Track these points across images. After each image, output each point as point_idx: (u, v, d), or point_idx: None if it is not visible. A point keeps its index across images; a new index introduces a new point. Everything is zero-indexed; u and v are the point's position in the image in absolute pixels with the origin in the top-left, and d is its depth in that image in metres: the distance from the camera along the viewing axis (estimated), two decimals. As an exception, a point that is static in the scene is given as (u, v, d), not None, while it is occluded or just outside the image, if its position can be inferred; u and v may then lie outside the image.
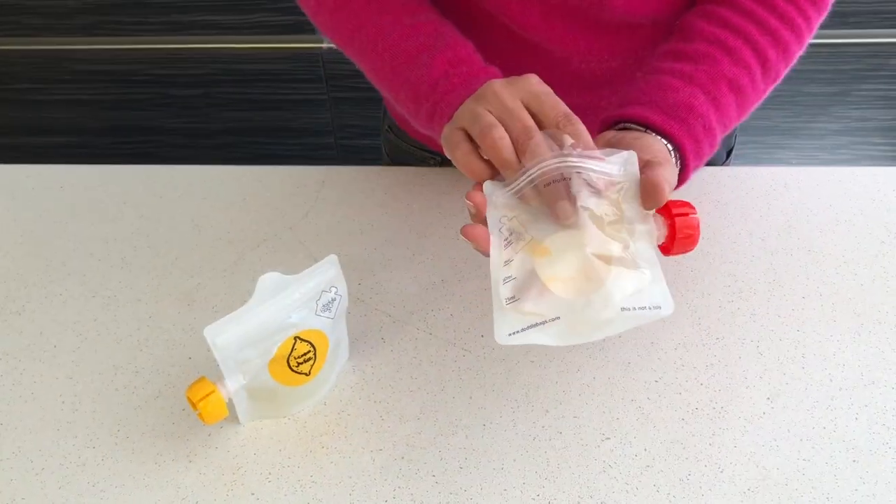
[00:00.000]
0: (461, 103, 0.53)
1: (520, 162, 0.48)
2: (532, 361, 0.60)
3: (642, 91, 0.57)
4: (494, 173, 0.50)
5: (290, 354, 0.53)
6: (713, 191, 0.76)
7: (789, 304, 0.64)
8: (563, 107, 0.49)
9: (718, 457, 0.53)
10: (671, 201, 0.49)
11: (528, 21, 0.66)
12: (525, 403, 0.57)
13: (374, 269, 0.69)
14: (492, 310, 0.63)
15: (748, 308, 0.63)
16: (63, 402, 0.58)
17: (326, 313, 0.55)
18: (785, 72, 0.62)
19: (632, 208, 0.48)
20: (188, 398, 0.51)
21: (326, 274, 0.55)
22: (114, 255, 0.72)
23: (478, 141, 0.50)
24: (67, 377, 0.60)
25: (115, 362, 0.61)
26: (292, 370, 0.54)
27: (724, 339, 0.61)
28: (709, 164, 0.81)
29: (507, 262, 0.47)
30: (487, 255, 0.49)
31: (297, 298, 0.53)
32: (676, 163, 0.54)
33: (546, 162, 0.47)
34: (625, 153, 0.49)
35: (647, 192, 0.48)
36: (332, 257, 0.55)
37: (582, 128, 0.49)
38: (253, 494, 0.51)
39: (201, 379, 0.52)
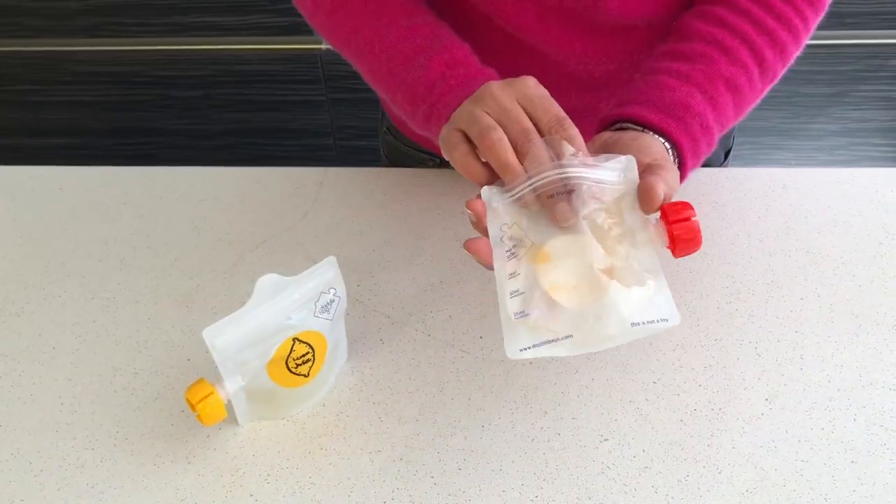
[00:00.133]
0: (458, 105, 0.53)
1: (520, 164, 0.48)
2: (530, 363, 0.60)
3: (639, 91, 0.57)
4: (492, 174, 0.50)
5: (288, 356, 0.53)
6: (711, 192, 0.76)
7: (787, 306, 0.64)
8: (556, 110, 0.49)
9: (717, 458, 0.53)
10: (668, 205, 0.48)
11: (524, 23, 0.66)
12: (524, 405, 0.57)
13: (373, 271, 0.69)
14: (491, 311, 0.64)
15: (746, 309, 0.64)
16: (62, 404, 0.58)
17: (325, 315, 0.55)
18: (782, 72, 0.62)
19: (633, 216, 0.48)
20: (187, 400, 0.51)
21: (325, 275, 0.55)
22: (113, 256, 0.72)
23: (476, 142, 0.50)
24: (66, 379, 0.60)
25: (113, 364, 0.61)
26: (291, 372, 0.54)
27: (722, 341, 0.61)
28: (707, 165, 0.81)
29: (513, 275, 0.47)
30: (490, 268, 0.49)
31: (295, 300, 0.53)
32: (674, 162, 0.54)
33: (548, 172, 0.47)
34: (623, 159, 0.49)
35: (643, 196, 0.48)
36: (331, 259, 0.55)
37: (575, 132, 0.49)
38: (252, 496, 0.52)
39: (200, 380, 0.52)
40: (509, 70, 0.55)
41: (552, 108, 0.49)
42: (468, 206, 0.49)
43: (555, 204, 0.47)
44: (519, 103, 0.50)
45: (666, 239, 0.48)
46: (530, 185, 0.47)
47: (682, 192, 0.57)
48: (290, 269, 0.55)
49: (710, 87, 0.57)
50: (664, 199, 0.48)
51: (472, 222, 0.50)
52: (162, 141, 1.80)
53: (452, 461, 0.53)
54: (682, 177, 0.56)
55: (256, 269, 0.69)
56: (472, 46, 0.59)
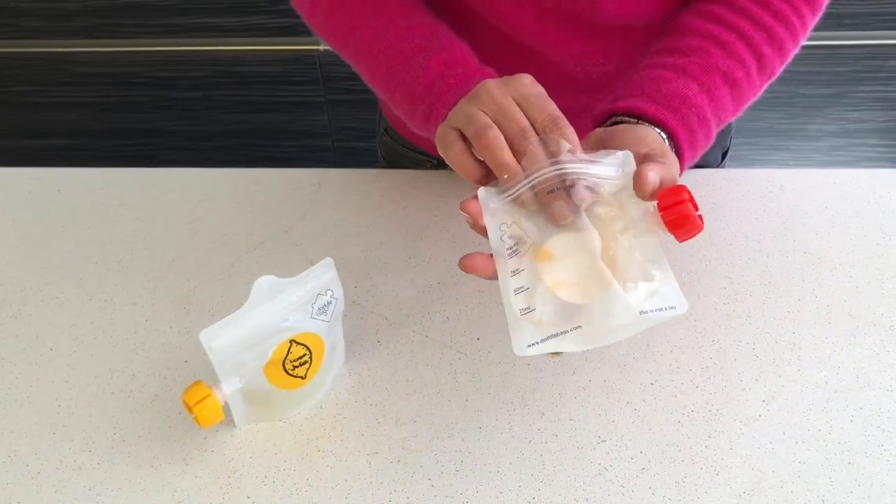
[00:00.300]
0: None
1: (516, 163, 0.48)
2: (528, 364, 0.60)
3: (634, 84, 0.56)
4: (488, 173, 0.50)
5: (285, 358, 0.53)
6: (708, 193, 0.76)
7: (785, 307, 0.64)
8: (551, 109, 0.49)
9: (714, 459, 0.53)
10: (662, 192, 0.46)
11: (521, 24, 0.66)
12: (521, 406, 0.57)
13: (371, 272, 0.69)
14: (488, 313, 0.64)
15: (744, 310, 0.64)
16: (59, 406, 0.58)
17: (322, 316, 0.55)
18: (780, 69, 0.61)
19: (634, 208, 0.48)
20: (184, 402, 0.51)
21: (322, 277, 0.55)
22: (110, 258, 0.72)
23: (472, 141, 0.49)
24: (63, 381, 0.60)
25: (111, 366, 0.61)
26: (288, 373, 0.54)
27: (719, 342, 0.61)
28: (704, 165, 0.81)
29: (516, 272, 0.47)
30: (491, 278, 0.48)
31: (292, 302, 0.53)
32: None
33: (546, 168, 0.47)
34: (621, 154, 0.49)
35: (636, 184, 0.47)
36: (328, 260, 0.55)
37: (570, 131, 0.48)
38: (249, 498, 0.52)
39: (197, 382, 0.52)
40: (506, 71, 0.55)
41: (548, 107, 0.49)
42: (462, 207, 0.48)
43: (553, 201, 0.47)
44: (515, 101, 0.49)
45: (664, 228, 0.48)
46: (528, 183, 0.47)
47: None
48: (288, 271, 0.55)
49: (706, 79, 0.56)
50: (665, 185, 0.47)
51: (469, 224, 0.50)
52: (161, 142, 1.80)
53: (450, 463, 0.53)
54: (681, 169, 0.55)
55: (254, 270, 0.69)
56: (469, 47, 0.59)
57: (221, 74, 1.67)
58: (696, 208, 0.46)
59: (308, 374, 0.55)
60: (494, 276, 0.48)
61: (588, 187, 0.47)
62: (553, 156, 0.47)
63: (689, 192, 0.47)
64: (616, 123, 0.55)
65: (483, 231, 0.49)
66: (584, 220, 0.47)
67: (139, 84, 1.70)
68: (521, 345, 0.45)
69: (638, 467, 0.52)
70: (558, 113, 0.49)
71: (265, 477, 0.53)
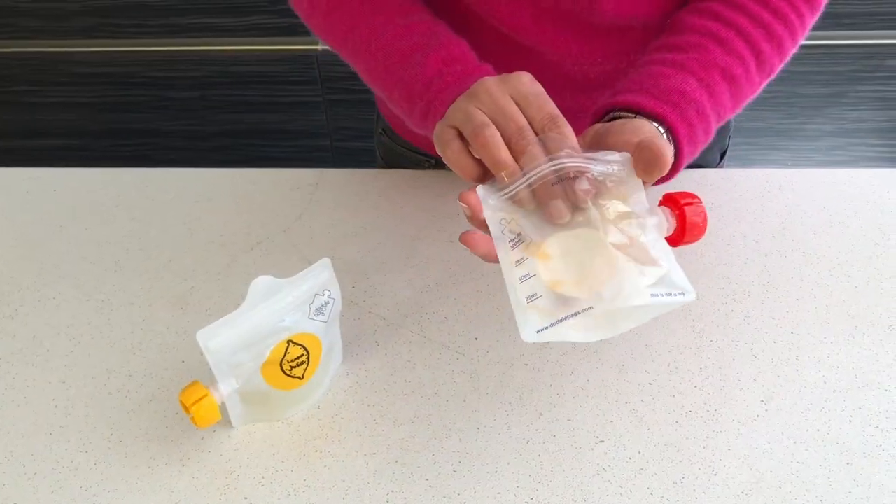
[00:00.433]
0: None
1: (514, 161, 0.48)
2: (526, 364, 0.60)
3: (632, 80, 0.56)
4: (486, 171, 0.50)
5: (283, 358, 0.53)
6: (707, 192, 0.76)
7: (783, 307, 0.64)
8: (550, 108, 0.49)
9: (712, 459, 0.52)
10: (676, 192, 0.48)
11: (520, 23, 0.66)
12: (519, 406, 0.57)
13: (368, 272, 0.69)
14: (486, 313, 0.64)
15: (742, 310, 0.63)
16: (56, 407, 0.58)
17: (320, 317, 0.55)
18: (779, 67, 0.61)
19: (638, 203, 0.47)
20: (181, 402, 0.51)
21: (320, 277, 0.55)
22: (107, 258, 0.72)
23: (469, 140, 0.49)
24: (60, 381, 0.60)
25: (108, 366, 0.61)
26: (285, 374, 0.53)
27: (718, 342, 0.61)
28: (703, 165, 0.81)
29: (520, 262, 0.46)
30: (488, 260, 0.48)
31: (290, 302, 0.53)
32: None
33: (543, 166, 0.47)
34: (618, 155, 0.49)
35: (644, 157, 0.45)
36: (326, 260, 0.55)
37: (569, 130, 0.48)
38: (246, 499, 0.51)
39: (194, 383, 0.52)
40: (504, 70, 0.55)
41: (546, 106, 0.49)
42: (461, 198, 0.48)
43: (550, 199, 0.46)
44: (514, 100, 0.49)
45: (672, 225, 0.48)
46: (526, 181, 0.47)
47: (678, 189, 0.57)
48: (285, 271, 0.55)
49: (705, 75, 0.56)
50: (659, 167, 0.47)
51: (466, 216, 0.49)
52: (159, 142, 1.80)
53: (447, 463, 0.53)
54: (679, 166, 0.55)
55: (251, 270, 0.69)
56: (467, 45, 0.59)
57: (220, 74, 1.67)
58: None
59: (305, 375, 0.55)
60: (489, 256, 0.47)
61: (589, 180, 0.46)
62: (551, 154, 0.47)
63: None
64: (614, 119, 0.54)
65: (481, 225, 0.48)
66: (584, 215, 0.46)
67: (137, 84, 1.70)
68: (529, 331, 0.44)
69: (636, 467, 0.52)
70: (557, 112, 0.49)
71: (262, 478, 0.53)
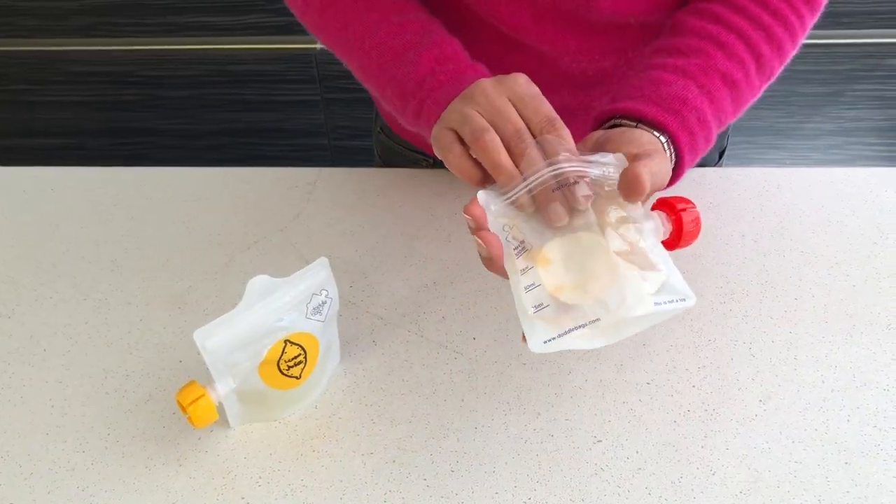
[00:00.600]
0: (448, 101, 0.52)
1: (513, 165, 0.48)
2: (524, 364, 0.59)
3: (633, 86, 0.56)
4: (487, 175, 0.50)
5: (280, 358, 0.53)
6: (705, 192, 0.76)
7: (782, 306, 0.64)
8: (546, 110, 0.49)
9: (710, 459, 0.52)
10: (671, 197, 0.48)
11: (519, 23, 0.65)
12: (517, 406, 0.57)
13: (366, 272, 0.68)
14: (484, 313, 0.64)
15: (740, 310, 0.63)
16: (52, 406, 0.58)
17: (317, 316, 0.55)
18: (779, 69, 0.61)
19: (634, 207, 0.48)
20: (178, 402, 0.51)
21: (317, 276, 0.55)
22: (104, 257, 0.71)
23: (469, 144, 0.49)
24: (57, 381, 0.60)
25: (105, 366, 0.61)
26: (283, 374, 0.53)
27: (716, 341, 0.61)
28: (701, 164, 0.81)
29: (525, 271, 0.46)
30: (496, 264, 0.47)
31: (287, 301, 0.53)
32: (671, 157, 0.54)
33: (543, 171, 0.46)
34: (611, 156, 0.48)
35: (626, 184, 0.46)
36: (323, 260, 0.55)
37: (566, 132, 0.48)
38: (243, 499, 0.51)
39: (191, 383, 0.52)
40: (502, 67, 0.55)
41: (543, 108, 0.49)
42: (467, 211, 0.47)
43: (549, 203, 0.46)
44: (510, 101, 0.49)
45: (668, 229, 0.48)
46: (525, 186, 0.47)
47: (676, 191, 0.57)
48: (282, 270, 0.55)
49: (706, 81, 0.56)
50: (651, 188, 0.47)
51: (469, 227, 0.49)
52: (156, 141, 1.79)
53: (445, 463, 0.53)
54: (680, 173, 0.55)
55: (248, 269, 0.69)
56: (464, 44, 0.59)
57: (217, 73, 1.66)
58: None
59: (303, 375, 0.54)
60: (499, 259, 0.47)
61: (587, 184, 0.46)
62: (549, 158, 0.47)
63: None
64: (615, 126, 0.54)
65: (483, 237, 0.48)
66: (584, 219, 0.46)
67: (135, 83, 1.69)
68: (536, 342, 0.44)
69: (634, 467, 0.52)
70: (554, 114, 0.49)
71: (260, 477, 0.52)
